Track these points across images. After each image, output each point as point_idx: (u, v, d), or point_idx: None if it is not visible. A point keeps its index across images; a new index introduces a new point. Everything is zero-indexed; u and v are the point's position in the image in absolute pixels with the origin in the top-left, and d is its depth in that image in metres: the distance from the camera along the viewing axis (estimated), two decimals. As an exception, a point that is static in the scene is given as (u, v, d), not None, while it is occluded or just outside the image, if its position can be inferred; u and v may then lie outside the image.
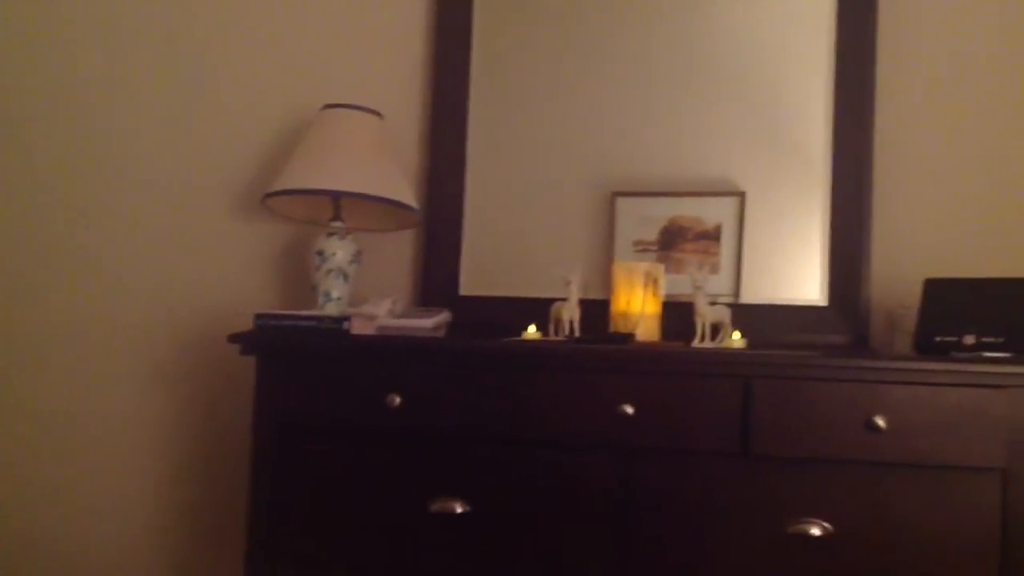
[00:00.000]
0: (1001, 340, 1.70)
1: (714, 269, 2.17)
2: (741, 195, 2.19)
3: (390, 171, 2.19)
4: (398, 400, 1.83)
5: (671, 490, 1.75)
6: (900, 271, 2.13)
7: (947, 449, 1.66)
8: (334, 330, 1.94)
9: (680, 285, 2.11)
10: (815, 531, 1.68)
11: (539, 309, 2.12)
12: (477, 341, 1.89)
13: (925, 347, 1.78)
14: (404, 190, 2.19)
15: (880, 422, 1.67)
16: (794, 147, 2.19)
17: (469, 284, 2.31)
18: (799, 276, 2.16)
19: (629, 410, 1.75)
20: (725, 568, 1.72)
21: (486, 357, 1.83)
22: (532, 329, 1.96)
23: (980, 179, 2.15)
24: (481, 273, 2.32)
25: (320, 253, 2.16)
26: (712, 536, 1.73)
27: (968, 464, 1.66)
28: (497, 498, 1.81)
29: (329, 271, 2.16)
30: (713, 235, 2.19)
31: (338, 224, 2.20)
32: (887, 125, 2.17)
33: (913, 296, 1.90)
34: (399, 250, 2.40)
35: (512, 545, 1.80)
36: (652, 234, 2.22)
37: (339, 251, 2.16)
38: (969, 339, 1.72)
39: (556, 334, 2.01)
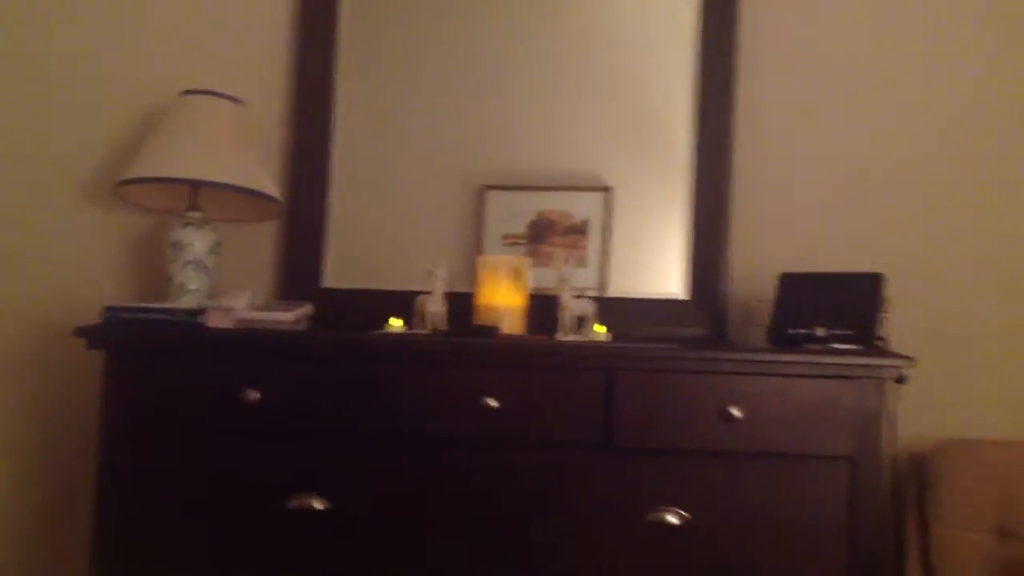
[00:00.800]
0: (850, 332, 1.76)
1: (582, 263, 2.18)
2: (608, 190, 2.21)
3: (251, 160, 2.12)
4: (256, 395, 1.77)
5: (535, 482, 1.74)
6: (757, 266, 2.18)
7: (799, 438, 1.71)
8: (188, 323, 1.86)
9: (549, 278, 2.11)
10: (673, 519, 1.71)
11: (404, 302, 2.08)
12: (339, 334, 1.85)
13: (779, 339, 1.83)
14: (265, 180, 2.13)
15: (735, 412, 1.70)
16: (659, 144, 2.23)
17: (333, 276, 2.26)
18: (663, 270, 2.19)
19: (493, 403, 1.74)
20: (588, 556, 1.73)
21: (348, 350, 1.79)
22: (396, 322, 1.93)
23: (833, 178, 2.23)
24: (345, 265, 2.27)
25: (175, 244, 2.08)
26: (575, 526, 1.73)
27: (818, 453, 1.72)
28: (358, 494, 1.77)
29: (186, 263, 2.07)
30: (581, 229, 2.20)
31: (196, 214, 2.12)
32: (747, 125, 2.22)
33: (769, 290, 1.95)
34: (260, 241, 2.33)
35: (374, 541, 1.76)
36: (521, 228, 2.22)
37: (196, 242, 2.08)
38: (820, 331, 1.77)
39: (421, 327, 1.98)
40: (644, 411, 1.73)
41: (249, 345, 1.81)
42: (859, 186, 2.23)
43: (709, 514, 1.72)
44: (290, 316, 1.97)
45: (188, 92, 2.15)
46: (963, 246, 2.20)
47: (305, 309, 2.04)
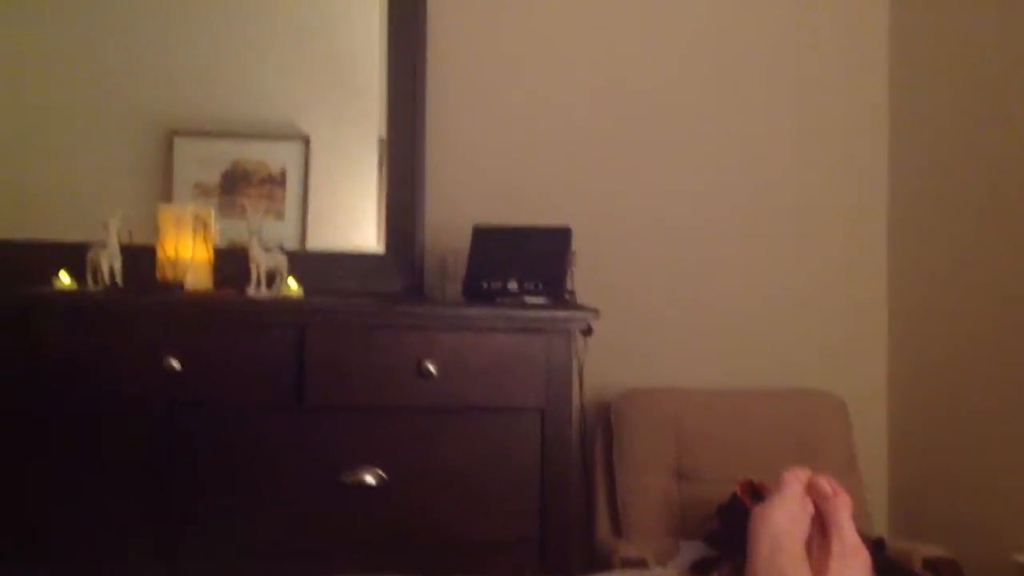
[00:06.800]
0: (541, 286, 1.79)
1: (279, 216, 2.09)
2: (305, 139, 2.12)
3: None
4: None
5: (221, 445, 1.65)
6: (452, 219, 2.13)
7: (492, 392, 1.73)
8: None
9: (243, 231, 1.99)
10: (370, 479, 1.67)
11: (75, 256, 1.88)
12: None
13: (473, 293, 1.83)
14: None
15: (431, 367, 1.69)
16: (354, 94, 2.16)
17: (-9, 226, 2.00)
18: (359, 224, 2.13)
19: (176, 364, 1.62)
20: (281, 521, 1.66)
21: (8, 310, 1.60)
22: (65, 277, 1.74)
23: (524, 132, 2.25)
24: (6, 213, 2.01)
25: None
26: (266, 490, 1.66)
27: (511, 405, 1.75)
28: (38, 461, 1.59)
29: None
30: (278, 180, 2.10)
31: None
32: (440, 75, 2.18)
33: (465, 242, 1.94)
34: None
35: (48, 510, 1.59)
36: (214, 177, 2.09)
37: None
38: (512, 285, 1.79)
39: (95, 284, 1.80)
40: (337, 368, 1.68)
41: None
42: (546, 139, 2.26)
43: (406, 471, 1.70)
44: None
45: None
46: (643, 202, 2.30)
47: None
